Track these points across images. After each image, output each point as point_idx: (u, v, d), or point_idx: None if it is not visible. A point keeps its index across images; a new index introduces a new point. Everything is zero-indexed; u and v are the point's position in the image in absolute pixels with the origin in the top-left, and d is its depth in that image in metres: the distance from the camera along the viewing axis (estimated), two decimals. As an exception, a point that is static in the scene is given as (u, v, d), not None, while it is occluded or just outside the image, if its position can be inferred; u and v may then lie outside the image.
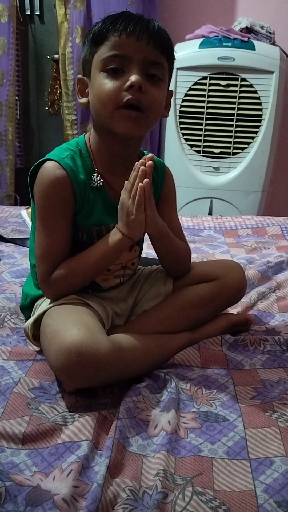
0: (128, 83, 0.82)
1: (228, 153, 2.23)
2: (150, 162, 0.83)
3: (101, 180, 0.92)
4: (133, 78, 0.82)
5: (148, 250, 1.23)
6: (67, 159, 0.89)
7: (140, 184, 0.83)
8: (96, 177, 0.92)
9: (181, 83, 2.15)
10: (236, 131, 2.18)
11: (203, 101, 2.16)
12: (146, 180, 0.83)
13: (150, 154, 0.85)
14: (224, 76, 2.12)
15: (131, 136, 0.88)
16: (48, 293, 0.92)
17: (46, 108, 2.55)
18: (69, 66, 2.37)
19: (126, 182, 0.86)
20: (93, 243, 0.92)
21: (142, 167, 0.83)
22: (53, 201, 0.88)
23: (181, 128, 2.23)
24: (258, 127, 2.17)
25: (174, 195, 1.06)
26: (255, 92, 2.12)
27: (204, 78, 2.13)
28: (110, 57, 0.84)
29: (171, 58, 0.90)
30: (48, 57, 2.49)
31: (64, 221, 0.89)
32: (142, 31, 0.83)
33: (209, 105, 2.16)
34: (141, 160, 0.84)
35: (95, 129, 0.93)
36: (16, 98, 2.45)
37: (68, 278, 0.90)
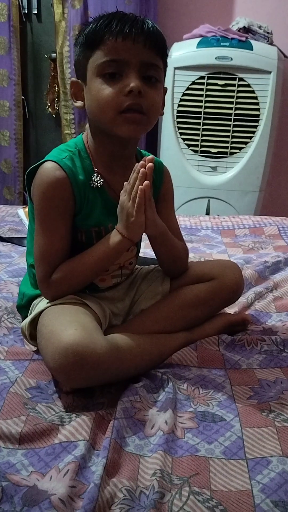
0: (128, 88, 0.82)
1: (226, 153, 2.23)
2: (150, 164, 0.82)
3: (101, 180, 0.92)
4: (132, 83, 0.82)
5: (145, 250, 1.23)
6: (66, 160, 0.89)
7: (140, 186, 0.82)
8: (96, 177, 0.91)
9: (178, 83, 2.15)
10: (234, 131, 2.19)
11: (200, 101, 2.16)
12: (146, 182, 0.82)
13: (150, 156, 0.85)
14: (221, 75, 2.12)
15: (132, 139, 0.88)
16: (47, 294, 0.92)
17: (46, 107, 2.54)
18: (66, 65, 2.37)
19: (125, 183, 0.86)
20: (92, 244, 0.92)
21: (142, 169, 0.82)
22: (52, 203, 0.87)
23: (179, 128, 2.23)
24: (255, 127, 2.17)
25: (172, 195, 1.06)
26: (253, 92, 2.12)
27: (202, 77, 2.13)
28: (107, 62, 0.83)
29: (165, 57, 0.89)
30: (46, 56, 2.48)
31: (64, 222, 0.89)
32: (138, 33, 0.82)
33: (207, 104, 2.16)
34: (141, 162, 0.83)
35: (91, 132, 0.93)
36: (23, 98, 2.45)
37: (67, 280, 0.90)
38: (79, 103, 0.91)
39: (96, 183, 0.91)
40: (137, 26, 0.82)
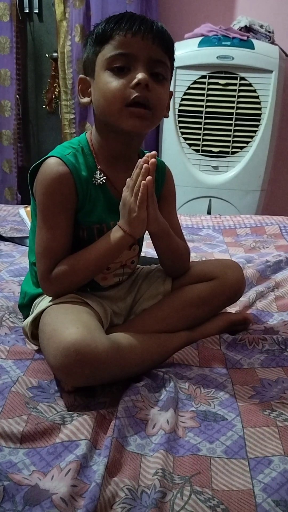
0: (135, 80, 0.83)
1: (227, 152, 2.23)
2: (153, 160, 0.83)
3: (104, 177, 0.92)
4: (140, 76, 0.83)
5: (147, 249, 1.23)
6: (69, 156, 0.89)
7: (143, 181, 0.83)
8: (99, 174, 0.92)
9: (180, 82, 2.15)
10: (235, 130, 2.18)
11: (202, 100, 2.16)
12: (149, 177, 0.83)
13: (153, 152, 0.85)
14: (223, 75, 2.12)
15: (136, 133, 0.88)
16: (48, 290, 0.92)
17: (44, 106, 2.55)
18: (68, 65, 2.37)
19: (128, 179, 0.86)
20: (94, 241, 0.92)
21: (145, 165, 0.83)
22: (55, 198, 0.88)
23: (180, 127, 2.23)
24: (257, 126, 2.17)
25: (174, 195, 1.06)
26: (254, 91, 2.12)
27: (203, 77, 2.13)
28: (115, 56, 0.84)
29: (172, 58, 0.91)
30: (47, 55, 2.48)
31: (66, 218, 0.89)
32: (147, 31, 0.83)
33: (208, 104, 2.16)
34: (144, 158, 0.83)
35: (97, 128, 0.93)
36: (17, 97, 2.45)
37: (69, 275, 0.90)
38: (85, 99, 0.92)
39: (99, 180, 0.91)
40: (146, 24, 0.84)
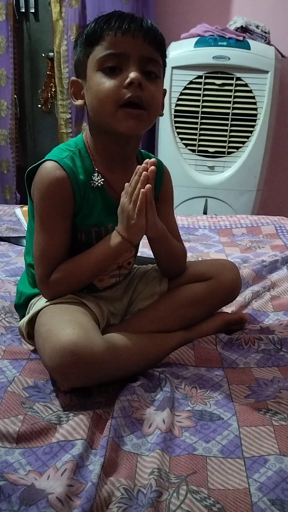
0: (128, 80, 0.82)
1: (223, 152, 2.23)
2: (152, 167, 0.81)
3: (102, 179, 0.91)
4: (132, 75, 0.82)
5: (143, 249, 1.23)
6: (66, 159, 0.89)
7: (142, 190, 0.82)
8: (97, 176, 0.91)
9: (176, 82, 2.15)
10: (231, 131, 2.19)
11: (198, 100, 2.16)
12: (148, 186, 0.82)
13: (153, 159, 0.83)
14: (219, 75, 2.12)
15: (132, 135, 0.88)
16: (46, 293, 0.92)
17: (40, 106, 2.54)
18: (64, 64, 2.37)
19: (126, 184, 0.85)
20: (92, 244, 0.91)
21: (144, 173, 0.82)
22: (52, 202, 0.87)
23: (176, 127, 2.23)
24: (253, 126, 2.17)
25: (172, 196, 1.06)
26: (250, 91, 2.13)
27: (199, 77, 2.13)
28: (107, 56, 0.83)
29: (164, 55, 0.90)
30: (43, 55, 2.48)
31: (64, 221, 0.89)
32: (137, 29, 0.83)
33: (204, 104, 2.16)
34: (143, 165, 0.82)
35: (91, 131, 0.93)
36: (15, 96, 2.44)
37: (67, 280, 0.89)
38: (78, 102, 0.91)
39: (97, 183, 0.91)
40: (136, 22, 0.83)
